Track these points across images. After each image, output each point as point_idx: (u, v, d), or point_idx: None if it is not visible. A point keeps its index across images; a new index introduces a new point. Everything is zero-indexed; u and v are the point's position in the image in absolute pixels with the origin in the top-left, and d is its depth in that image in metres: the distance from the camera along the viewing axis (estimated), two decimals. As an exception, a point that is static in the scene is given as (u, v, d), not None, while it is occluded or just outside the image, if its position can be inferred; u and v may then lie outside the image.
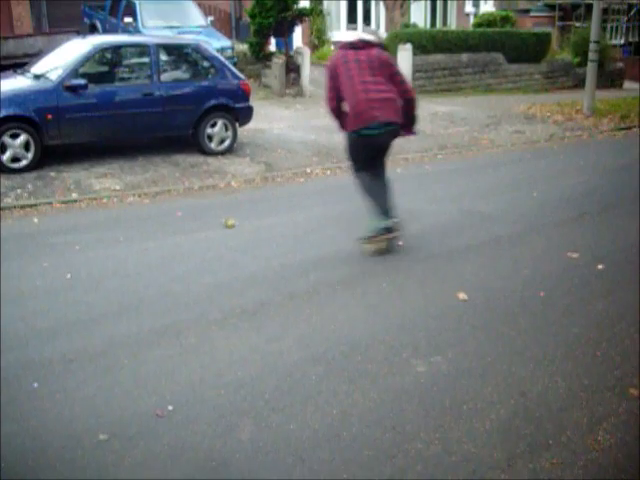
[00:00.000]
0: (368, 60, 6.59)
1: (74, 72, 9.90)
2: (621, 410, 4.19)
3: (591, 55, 16.53)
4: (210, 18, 18.71)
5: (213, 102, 10.99)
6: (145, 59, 10.70)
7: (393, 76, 6.70)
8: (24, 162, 9.57)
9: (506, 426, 4.02)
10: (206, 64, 11.27)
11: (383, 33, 23.01)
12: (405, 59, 17.99)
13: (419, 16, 27.90)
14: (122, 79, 10.67)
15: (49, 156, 9.89)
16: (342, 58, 6.65)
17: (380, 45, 6.89)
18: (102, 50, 10.52)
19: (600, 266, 6.64)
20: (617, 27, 37.14)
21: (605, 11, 19.74)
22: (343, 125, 6.94)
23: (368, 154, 6.94)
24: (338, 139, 12.51)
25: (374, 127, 6.58)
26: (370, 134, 6.64)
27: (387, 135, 6.75)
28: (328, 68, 6.80)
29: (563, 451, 3.78)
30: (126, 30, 16.65)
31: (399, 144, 11.98)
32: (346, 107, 6.74)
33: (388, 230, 6.83)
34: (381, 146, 6.90)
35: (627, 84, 24.91)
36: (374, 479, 3.54)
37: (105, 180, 9.54)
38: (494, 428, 3.99)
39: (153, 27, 16.22)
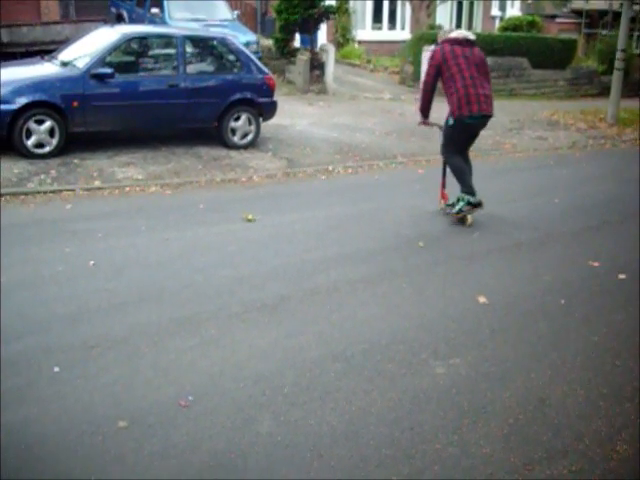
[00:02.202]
0: (474, 58, 7.70)
1: (101, 61, 9.92)
2: (639, 421, 4.18)
3: (617, 64, 16.43)
4: (237, 12, 18.73)
5: (238, 96, 10.99)
6: (171, 50, 10.72)
7: (487, 75, 7.89)
8: (48, 148, 9.62)
9: (524, 431, 4.01)
10: (232, 58, 11.28)
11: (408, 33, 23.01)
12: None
13: (445, 18, 27.81)
14: (148, 69, 10.68)
15: (73, 143, 9.93)
16: (451, 52, 7.63)
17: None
18: (130, 40, 10.55)
19: (621, 276, 6.62)
20: (643, 36, 36.88)
21: (632, 20, 19.56)
22: (425, 110, 8.00)
23: (464, 138, 8.05)
24: (360, 138, 12.58)
25: (477, 117, 7.70)
26: (472, 122, 7.75)
27: (483, 124, 7.93)
28: (436, 58, 7.68)
29: (581, 459, 3.78)
30: (153, 21, 16.68)
31: (421, 145, 12.02)
32: (447, 94, 7.74)
33: (474, 205, 7.85)
34: (476, 133, 8.06)
35: (652, 94, 24.71)
36: (391, 478, 3.55)
37: (128, 169, 9.57)
38: (512, 433, 3.99)
39: (180, 19, 16.24)
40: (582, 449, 3.87)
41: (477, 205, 7.85)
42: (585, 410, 4.28)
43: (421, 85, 8.19)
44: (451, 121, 7.78)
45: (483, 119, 7.80)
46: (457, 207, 7.95)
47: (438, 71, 7.68)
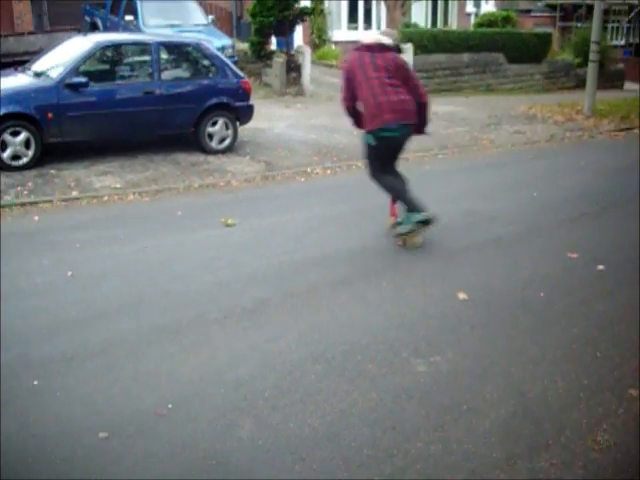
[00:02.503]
0: (385, 63, 6.81)
1: (75, 70, 9.88)
2: (621, 411, 4.20)
3: (592, 56, 16.53)
4: (211, 17, 18.68)
5: (214, 101, 10.98)
6: (146, 57, 10.70)
7: (407, 80, 6.95)
8: (24, 160, 9.57)
9: (506, 426, 4.02)
10: (207, 63, 11.26)
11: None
12: (406, 59, 17.96)
13: (420, 16, 27.87)
14: (123, 77, 10.64)
15: (49, 154, 9.88)
16: (359, 60, 6.85)
17: (396, 48, 7.19)
18: (103, 48, 10.52)
19: (600, 267, 6.64)
20: (618, 28, 37.14)
21: (606, 12, 19.72)
22: (359, 124, 7.23)
23: (386, 154, 7.18)
24: (339, 138, 12.58)
25: (392, 128, 6.83)
26: (388, 135, 6.89)
27: (404, 135, 7.00)
28: (344, 69, 7.03)
29: (563, 451, 3.79)
30: (127, 28, 16.62)
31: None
32: (362, 107, 6.95)
33: (424, 222, 6.96)
34: (399, 146, 7.13)
35: (627, 85, 24.87)
36: (374, 478, 3.54)
37: (105, 178, 9.54)
38: (494, 428, 4.00)
39: (154, 25, 16.19)
40: (564, 441, 3.88)
41: (428, 222, 6.96)
42: (566, 402, 4.30)
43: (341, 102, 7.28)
44: (366, 138, 7.03)
45: (403, 128, 6.91)
46: (406, 228, 6.99)
47: (350, 83, 6.91)
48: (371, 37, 7.09)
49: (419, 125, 7.17)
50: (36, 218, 7.98)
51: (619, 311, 5.64)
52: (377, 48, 6.87)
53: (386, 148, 7.10)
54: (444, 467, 3.64)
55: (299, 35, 22.25)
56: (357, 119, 7.21)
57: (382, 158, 7.19)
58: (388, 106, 6.75)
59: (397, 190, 7.18)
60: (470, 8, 30.67)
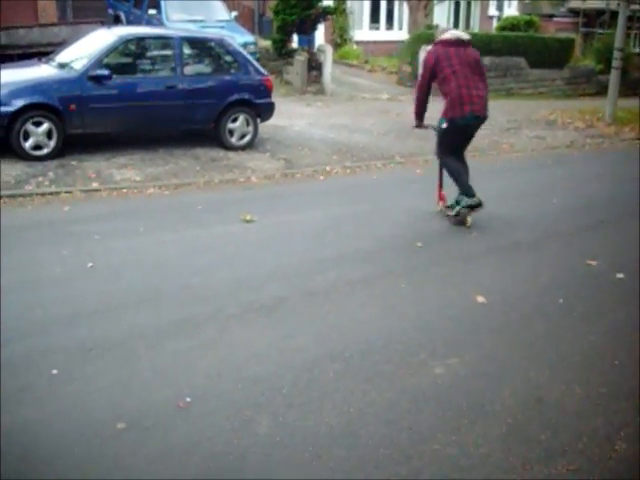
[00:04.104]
0: (467, 59, 7.63)
1: (98, 62, 9.92)
2: (638, 420, 4.18)
3: (614, 63, 16.43)
4: (234, 13, 18.72)
5: (235, 97, 10.99)
6: (169, 52, 10.72)
7: (483, 75, 7.85)
8: (46, 150, 9.61)
9: (522, 431, 4.02)
10: (229, 59, 11.28)
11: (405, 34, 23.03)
12: (427, 61, 17.91)
13: (442, 18, 27.76)
14: (145, 71, 10.68)
15: (71, 145, 9.92)
16: (445, 54, 7.58)
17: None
18: (127, 41, 10.54)
19: (619, 275, 6.61)
20: (641, 35, 36.88)
21: (630, 19, 19.56)
22: (420, 115, 8.04)
23: (458, 140, 7.96)
24: (359, 138, 12.58)
25: (470, 118, 7.63)
26: (464, 124, 7.69)
27: (477, 126, 7.86)
28: (429, 61, 7.70)
29: (579, 458, 3.78)
30: (150, 22, 16.69)
31: (419, 146, 12.01)
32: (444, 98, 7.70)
33: (473, 206, 7.76)
34: (470, 135, 7.98)
35: (650, 93, 24.69)
36: (390, 479, 3.55)
37: (126, 171, 9.57)
38: (510, 432, 3.99)
39: (177, 20, 16.23)
40: (581, 448, 3.87)
41: (476, 206, 7.76)
42: (583, 409, 4.29)
43: (415, 88, 8.18)
44: (444, 123, 7.73)
45: (476, 120, 7.75)
46: (455, 209, 7.91)
47: (432, 74, 7.64)
48: (451, 34, 7.86)
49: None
50: (56, 208, 8.02)
51: (637, 319, 5.61)
52: (460, 43, 7.67)
53: (460, 135, 7.87)
54: (460, 470, 3.65)
55: (321, 34, 22.23)
56: (422, 110, 7.95)
57: (453, 143, 7.91)
58: (468, 99, 7.51)
59: (458, 173, 7.85)
60: (493, 11, 30.55)
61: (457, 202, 7.91)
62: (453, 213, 7.96)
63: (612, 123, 16.34)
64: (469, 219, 7.90)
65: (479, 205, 7.76)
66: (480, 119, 7.76)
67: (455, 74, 7.50)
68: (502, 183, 10.37)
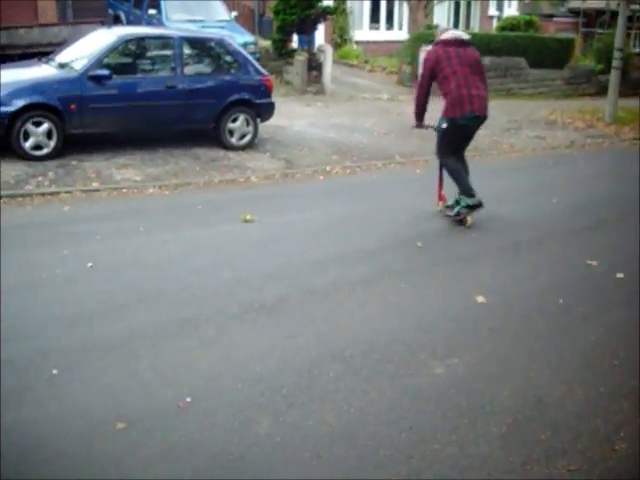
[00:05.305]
0: (468, 59, 7.65)
1: (98, 62, 9.91)
2: (638, 420, 4.18)
3: (614, 63, 16.42)
4: (234, 13, 18.72)
5: (235, 97, 10.98)
6: (169, 52, 10.72)
7: (483, 75, 7.87)
8: (46, 150, 9.60)
9: (523, 431, 4.02)
10: (229, 59, 11.28)
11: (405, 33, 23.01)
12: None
13: (442, 17, 27.74)
14: (145, 71, 10.68)
15: (71, 145, 9.92)
16: (445, 54, 7.59)
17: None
18: (127, 41, 10.53)
19: (619, 274, 6.61)
20: (641, 35, 36.86)
21: (630, 19, 19.56)
22: (420, 115, 8.00)
23: (458, 140, 7.97)
24: (359, 138, 12.58)
25: (469, 118, 7.64)
26: (464, 124, 7.70)
27: (477, 126, 7.87)
28: (429, 61, 7.72)
29: (579, 458, 3.78)
30: (150, 22, 16.70)
31: (419, 145, 12.02)
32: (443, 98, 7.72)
33: (473, 206, 7.78)
34: (470, 134, 7.99)
35: (650, 93, 24.67)
36: (390, 479, 3.55)
37: (126, 171, 9.57)
38: (510, 432, 4.00)
39: (177, 20, 16.23)
40: (581, 448, 3.87)
41: (476, 206, 7.78)
42: (583, 409, 4.29)
43: (415, 88, 8.19)
44: (444, 122, 7.74)
45: (476, 120, 7.76)
46: (456, 209, 7.93)
47: (432, 74, 7.66)
48: (451, 34, 7.89)
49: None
50: (56, 208, 8.02)
51: (638, 319, 5.61)
52: (460, 43, 7.69)
53: (460, 134, 7.89)
54: (460, 470, 3.65)
55: (321, 34, 22.21)
56: (422, 110, 7.92)
57: (453, 143, 7.93)
58: (468, 99, 7.52)
59: (458, 172, 7.87)
60: (493, 11, 30.53)
61: (457, 202, 7.94)
62: (453, 213, 7.98)
63: (612, 123, 16.33)
64: (469, 219, 7.89)
65: (479, 205, 7.77)
66: (480, 119, 7.77)
67: (455, 74, 7.52)
68: (502, 183, 10.36)
